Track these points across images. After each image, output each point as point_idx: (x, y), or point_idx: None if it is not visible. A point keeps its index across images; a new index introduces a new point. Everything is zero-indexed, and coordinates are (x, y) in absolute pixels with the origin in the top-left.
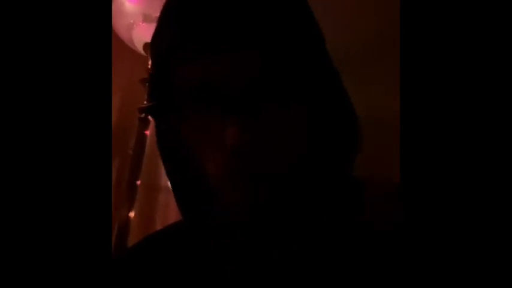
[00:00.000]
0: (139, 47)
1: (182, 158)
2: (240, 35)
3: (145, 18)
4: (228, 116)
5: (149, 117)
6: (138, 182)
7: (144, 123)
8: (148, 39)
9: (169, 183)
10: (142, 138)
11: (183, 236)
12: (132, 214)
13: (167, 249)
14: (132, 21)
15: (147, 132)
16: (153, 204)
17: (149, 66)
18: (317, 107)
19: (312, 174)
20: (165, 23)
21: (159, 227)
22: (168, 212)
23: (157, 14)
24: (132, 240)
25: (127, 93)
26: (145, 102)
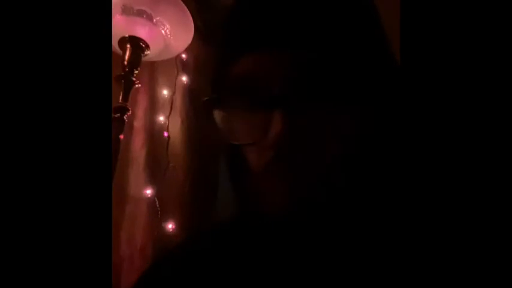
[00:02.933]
0: (114, 42)
1: (229, 154)
2: (300, 35)
3: (125, 10)
4: (274, 110)
5: (124, 117)
6: None
7: (119, 125)
8: (125, 33)
9: (139, 194)
10: (116, 142)
11: (227, 235)
12: None
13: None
14: None
15: (122, 137)
16: (119, 216)
17: (125, 63)
18: (366, 113)
19: (356, 177)
20: (235, 17)
21: (124, 241)
22: (136, 224)
23: (140, 6)
24: None
25: None
26: (120, 101)
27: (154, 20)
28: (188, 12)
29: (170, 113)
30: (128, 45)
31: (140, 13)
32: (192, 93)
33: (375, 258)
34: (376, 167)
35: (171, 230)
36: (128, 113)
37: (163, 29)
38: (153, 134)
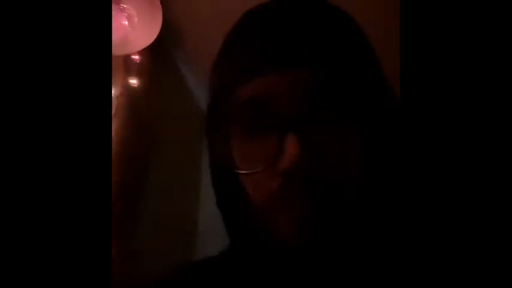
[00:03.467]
0: None
1: (232, 182)
2: (301, 53)
3: None
4: (285, 133)
5: None
6: None
7: None
8: None
9: None
10: None
11: (231, 265)
12: None
13: (214, 279)
14: None
15: None
16: None
17: None
18: (374, 130)
19: (368, 199)
20: (233, 44)
21: None
22: None
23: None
24: None
25: None
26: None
27: (121, 5)
28: (159, 5)
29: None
30: None
31: None
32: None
33: None
34: (387, 189)
35: None
36: None
37: (127, 18)
38: None
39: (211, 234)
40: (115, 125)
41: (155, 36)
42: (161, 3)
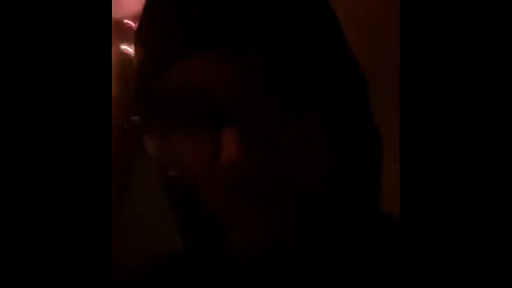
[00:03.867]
0: None
1: (175, 182)
2: (245, 32)
3: None
4: (222, 126)
5: None
6: None
7: None
8: None
9: None
10: None
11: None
12: None
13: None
14: None
15: None
16: None
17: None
18: (337, 120)
19: (332, 200)
20: (155, 16)
21: None
22: None
23: None
24: None
25: None
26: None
27: None
28: None
29: None
30: None
31: None
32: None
33: None
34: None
35: None
36: None
37: None
38: None
39: None
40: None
41: None
42: None
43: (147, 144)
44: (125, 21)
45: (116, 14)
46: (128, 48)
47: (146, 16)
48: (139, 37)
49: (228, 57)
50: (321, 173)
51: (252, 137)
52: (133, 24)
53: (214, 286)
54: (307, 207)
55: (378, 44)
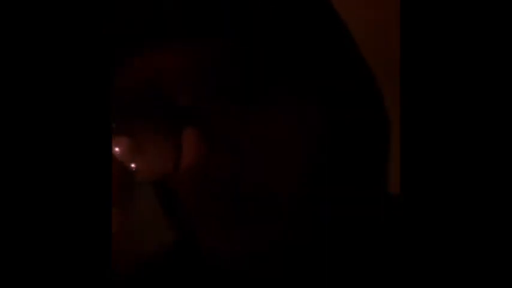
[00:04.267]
0: None
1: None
2: (203, 19)
3: None
4: (182, 126)
5: None
6: None
7: None
8: None
9: None
10: None
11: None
12: None
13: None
14: None
15: None
16: None
17: None
18: (328, 112)
19: (321, 204)
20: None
21: None
22: None
23: None
24: None
25: None
26: None
27: None
28: None
29: None
30: None
31: None
32: None
33: None
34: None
35: None
36: None
37: None
38: None
39: None
40: None
41: None
42: None
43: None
44: None
45: None
46: None
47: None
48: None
49: (180, 50)
50: (302, 178)
51: (214, 136)
52: None
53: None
54: (278, 216)
55: (378, 44)
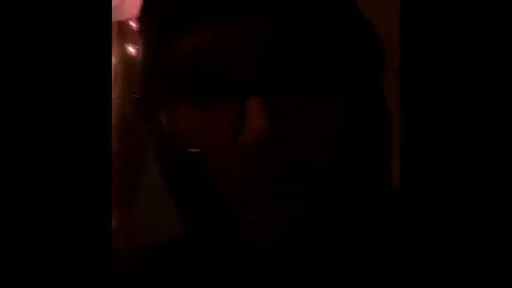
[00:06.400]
0: None
1: (185, 166)
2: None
3: None
4: (245, 98)
5: None
6: None
7: None
8: None
9: None
10: None
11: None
12: None
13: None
14: None
15: None
16: None
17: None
18: (355, 99)
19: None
20: None
21: None
22: None
23: None
24: None
25: None
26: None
27: None
28: None
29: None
30: None
31: None
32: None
33: None
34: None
35: None
36: None
37: None
38: None
39: None
40: (113, 95)
41: None
42: None
43: (162, 121)
44: (130, 23)
45: (119, 16)
46: (131, 49)
47: None
48: (146, 8)
49: (243, 26)
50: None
51: (279, 108)
52: (135, 26)
53: (215, 275)
54: (317, 200)
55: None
